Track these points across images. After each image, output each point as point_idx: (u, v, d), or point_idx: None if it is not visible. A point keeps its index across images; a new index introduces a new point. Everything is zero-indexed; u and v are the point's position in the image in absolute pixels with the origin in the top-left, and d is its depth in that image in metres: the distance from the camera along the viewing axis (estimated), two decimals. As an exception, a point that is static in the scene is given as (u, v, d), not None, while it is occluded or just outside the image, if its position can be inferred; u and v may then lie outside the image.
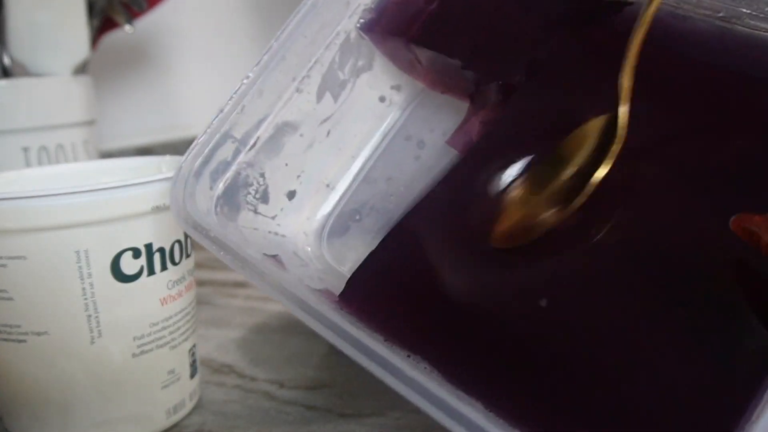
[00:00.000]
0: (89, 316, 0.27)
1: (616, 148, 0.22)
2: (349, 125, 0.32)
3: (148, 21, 0.65)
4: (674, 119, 0.23)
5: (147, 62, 0.74)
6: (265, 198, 0.30)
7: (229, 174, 0.28)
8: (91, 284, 0.27)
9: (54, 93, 0.49)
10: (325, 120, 0.31)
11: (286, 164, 0.30)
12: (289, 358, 0.37)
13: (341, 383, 0.34)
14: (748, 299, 0.18)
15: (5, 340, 0.27)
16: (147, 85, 0.75)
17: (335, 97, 0.31)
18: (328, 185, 0.32)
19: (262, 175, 0.29)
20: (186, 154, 0.27)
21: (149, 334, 0.28)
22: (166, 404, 0.30)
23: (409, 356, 0.20)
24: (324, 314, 0.20)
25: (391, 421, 0.30)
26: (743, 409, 0.16)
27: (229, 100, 0.28)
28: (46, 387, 0.28)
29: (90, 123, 0.52)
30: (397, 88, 0.32)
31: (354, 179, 0.32)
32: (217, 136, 0.27)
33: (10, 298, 0.27)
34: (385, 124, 0.32)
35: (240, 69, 0.94)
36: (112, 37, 0.58)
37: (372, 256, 0.26)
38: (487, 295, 0.23)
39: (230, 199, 0.28)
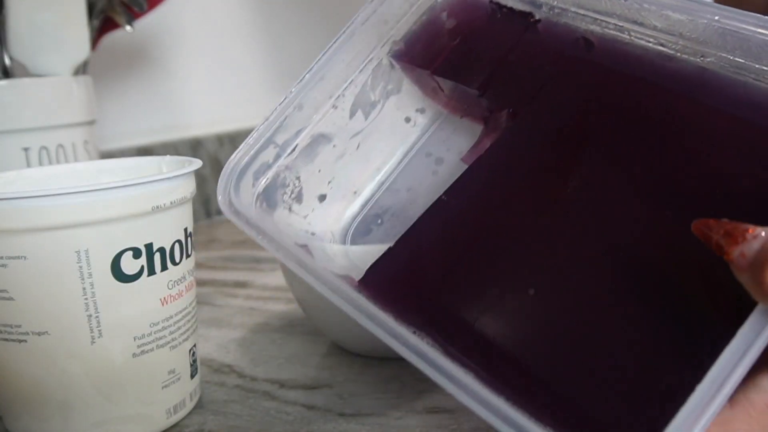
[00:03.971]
0: (90, 315, 0.27)
1: None
2: (376, 141, 0.36)
3: (148, 21, 0.65)
4: (645, 140, 0.26)
5: (147, 62, 0.75)
6: (299, 198, 0.34)
7: (270, 174, 0.32)
8: (92, 284, 0.27)
9: (54, 93, 0.49)
10: (355, 134, 0.36)
11: (319, 170, 0.35)
12: (289, 358, 0.37)
13: (341, 383, 0.34)
14: (708, 295, 0.22)
15: (6, 340, 0.27)
16: (147, 85, 0.75)
17: (366, 115, 0.36)
18: (355, 192, 0.36)
19: (298, 179, 0.34)
20: (234, 154, 0.31)
21: (150, 334, 0.28)
22: (166, 404, 0.30)
23: (414, 332, 0.24)
24: (345, 292, 0.25)
25: (391, 421, 0.30)
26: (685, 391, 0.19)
27: (273, 111, 0.32)
28: (46, 387, 0.28)
29: (90, 123, 0.52)
30: (421, 110, 0.37)
31: (378, 188, 0.36)
32: (262, 140, 0.31)
33: (10, 298, 0.27)
34: (408, 142, 0.37)
35: (240, 69, 0.94)
36: (112, 37, 0.58)
37: (389, 251, 0.29)
38: (482, 286, 0.27)
39: (269, 197, 0.32)
